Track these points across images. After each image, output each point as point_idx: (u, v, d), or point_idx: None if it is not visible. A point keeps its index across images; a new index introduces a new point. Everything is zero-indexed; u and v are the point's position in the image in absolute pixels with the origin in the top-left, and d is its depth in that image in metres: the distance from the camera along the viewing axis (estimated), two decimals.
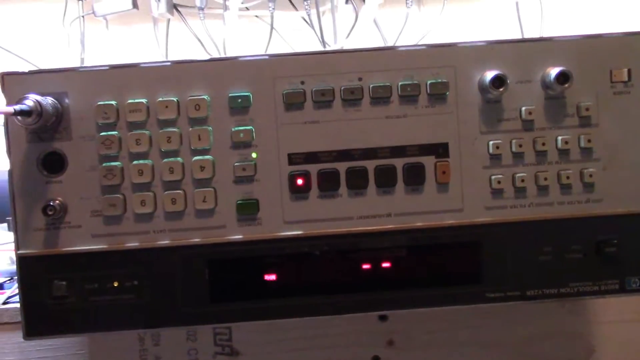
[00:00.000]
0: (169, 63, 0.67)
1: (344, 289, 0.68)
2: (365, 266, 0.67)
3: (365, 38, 1.37)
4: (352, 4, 1.34)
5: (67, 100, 0.66)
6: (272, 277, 0.67)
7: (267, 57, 0.67)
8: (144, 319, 0.66)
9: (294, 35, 1.37)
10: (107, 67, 0.67)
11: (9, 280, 0.83)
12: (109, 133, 0.65)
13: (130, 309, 0.66)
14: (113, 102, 0.66)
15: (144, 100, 0.66)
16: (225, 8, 1.29)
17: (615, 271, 0.68)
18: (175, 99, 0.66)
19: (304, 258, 0.67)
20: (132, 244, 0.66)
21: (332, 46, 1.30)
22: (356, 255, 0.67)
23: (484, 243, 0.67)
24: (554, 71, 0.66)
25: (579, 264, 0.67)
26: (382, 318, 0.76)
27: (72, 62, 1.29)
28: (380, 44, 1.37)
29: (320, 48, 1.32)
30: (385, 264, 0.67)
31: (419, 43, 1.32)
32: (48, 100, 0.64)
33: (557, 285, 0.68)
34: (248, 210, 0.66)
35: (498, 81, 0.66)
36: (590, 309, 0.77)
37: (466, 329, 0.75)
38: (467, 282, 0.68)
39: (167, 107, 0.66)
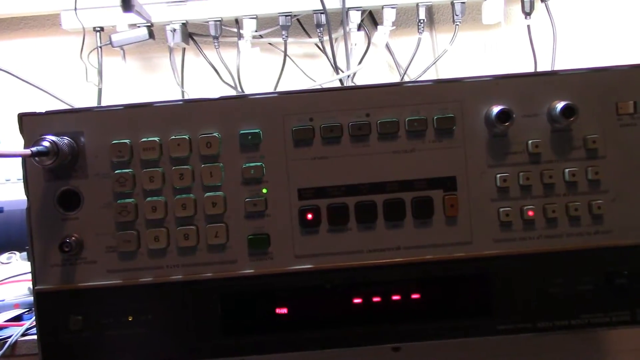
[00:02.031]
0: (181, 102, 0.69)
1: (355, 322, 0.68)
2: (376, 299, 0.68)
3: (377, 64, 1.39)
4: (365, 30, 1.36)
5: (82, 139, 0.68)
6: (284, 310, 0.68)
7: (276, 94, 0.69)
8: (158, 352, 0.68)
9: (307, 62, 1.39)
10: (122, 107, 0.69)
11: (27, 311, 0.85)
12: (123, 171, 0.67)
13: (144, 342, 0.67)
14: (127, 141, 0.67)
15: (157, 139, 0.67)
16: (240, 36, 1.32)
17: (626, 302, 0.67)
18: (187, 137, 0.67)
19: (316, 291, 0.68)
20: (146, 278, 0.67)
21: (344, 72, 1.31)
22: (367, 289, 0.68)
23: (494, 275, 0.68)
24: (559, 105, 0.66)
25: (589, 295, 0.68)
26: (395, 349, 0.76)
27: (90, 93, 1.32)
28: (393, 69, 1.39)
29: (333, 74, 1.34)
30: (396, 297, 0.68)
31: (430, 68, 1.33)
32: (64, 140, 0.66)
33: (568, 317, 0.68)
34: (259, 245, 0.67)
35: (504, 115, 0.66)
36: (603, 338, 0.76)
37: None
38: (477, 315, 0.68)
39: (179, 145, 0.67)
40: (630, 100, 0.68)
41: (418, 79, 1.29)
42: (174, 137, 0.68)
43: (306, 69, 1.38)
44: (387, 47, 1.37)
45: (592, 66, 0.69)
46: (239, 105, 0.69)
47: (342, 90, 0.71)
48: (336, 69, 1.32)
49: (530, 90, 0.68)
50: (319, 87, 1.30)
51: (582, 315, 0.68)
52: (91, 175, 0.68)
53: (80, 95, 1.31)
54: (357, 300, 0.68)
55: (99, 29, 1.32)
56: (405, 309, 0.68)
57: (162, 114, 0.68)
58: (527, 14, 1.30)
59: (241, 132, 0.68)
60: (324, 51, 1.34)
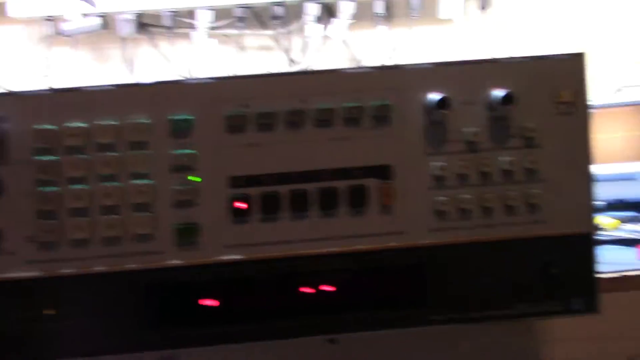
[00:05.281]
0: (110, 87, 0.66)
1: (288, 313, 0.67)
2: (309, 290, 0.66)
3: (335, 57, 1.38)
4: (322, 23, 1.35)
5: (5, 124, 0.65)
6: (214, 302, 0.66)
7: (210, 80, 0.67)
8: (82, 347, 0.65)
9: (263, 55, 1.38)
10: (48, 91, 0.66)
11: None
12: (47, 157, 0.65)
13: (66, 336, 0.64)
14: (52, 127, 0.65)
15: (83, 124, 0.65)
16: (194, 28, 1.30)
17: (560, 292, 0.67)
18: (115, 123, 0.65)
19: (246, 282, 0.66)
20: (69, 270, 0.64)
21: (300, 65, 1.30)
22: (299, 279, 0.66)
23: (428, 265, 0.66)
24: (498, 92, 0.65)
25: (524, 285, 0.67)
26: (332, 341, 0.75)
27: (38, 84, 1.29)
28: (350, 63, 1.38)
29: (288, 67, 1.32)
30: (329, 287, 0.66)
31: (388, 60, 1.33)
32: None
33: (502, 307, 0.67)
34: (187, 234, 0.65)
35: (442, 103, 0.65)
36: (538, 327, 0.76)
37: (416, 351, 0.74)
38: (411, 305, 0.67)
39: (106, 131, 0.65)
40: (569, 89, 0.67)
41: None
42: (101, 122, 0.65)
43: (262, 62, 1.36)
44: (345, 40, 1.36)
45: (532, 54, 0.69)
46: (171, 91, 0.66)
47: (278, 76, 0.70)
48: (291, 61, 1.31)
49: (469, 77, 0.67)
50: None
51: (517, 305, 0.67)
52: (13, 162, 0.65)
53: (28, 86, 1.28)
54: (289, 291, 0.66)
55: (48, 17, 1.29)
56: (339, 299, 0.67)
57: (90, 99, 0.66)
58: (483, 9, 1.30)
59: (172, 118, 0.65)
60: (280, 44, 1.33)
